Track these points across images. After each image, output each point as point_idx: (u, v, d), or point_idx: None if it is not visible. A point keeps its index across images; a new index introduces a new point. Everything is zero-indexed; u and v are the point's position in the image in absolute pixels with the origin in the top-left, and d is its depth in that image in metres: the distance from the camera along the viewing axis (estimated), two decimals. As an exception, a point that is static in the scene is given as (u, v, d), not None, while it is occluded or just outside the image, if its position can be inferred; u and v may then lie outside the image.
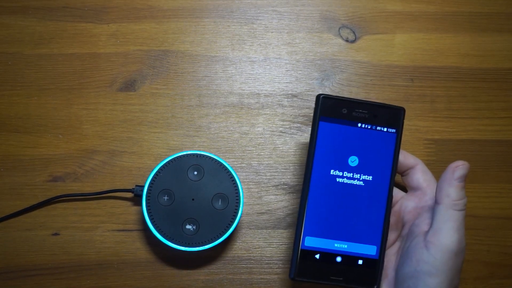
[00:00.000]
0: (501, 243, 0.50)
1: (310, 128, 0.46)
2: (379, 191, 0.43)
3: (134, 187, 0.48)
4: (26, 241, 0.48)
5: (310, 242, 0.42)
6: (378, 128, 0.43)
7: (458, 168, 0.40)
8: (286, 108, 0.51)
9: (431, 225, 0.40)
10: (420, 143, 0.51)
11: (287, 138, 0.50)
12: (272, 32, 0.52)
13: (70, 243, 0.48)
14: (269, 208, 0.49)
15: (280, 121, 0.51)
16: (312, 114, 0.44)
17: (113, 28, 0.52)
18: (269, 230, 0.49)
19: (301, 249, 0.42)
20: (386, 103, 0.43)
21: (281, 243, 0.49)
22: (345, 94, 0.51)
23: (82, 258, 0.48)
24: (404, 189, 0.46)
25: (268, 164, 0.50)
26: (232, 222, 0.45)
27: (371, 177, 0.42)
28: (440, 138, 0.51)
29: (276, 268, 0.49)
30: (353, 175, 0.42)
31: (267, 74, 0.52)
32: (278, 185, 0.50)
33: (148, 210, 0.45)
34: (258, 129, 0.51)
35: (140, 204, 0.49)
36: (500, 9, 0.53)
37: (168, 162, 0.46)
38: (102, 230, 0.49)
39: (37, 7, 0.52)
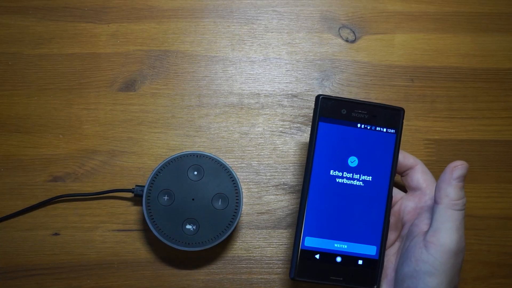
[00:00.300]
0: (501, 243, 0.50)
1: (310, 128, 0.46)
2: (378, 191, 0.43)
3: (134, 187, 0.48)
4: (26, 241, 0.48)
5: (310, 242, 0.42)
6: (378, 128, 0.43)
7: (457, 168, 0.40)
8: (286, 108, 0.51)
9: (430, 225, 0.40)
10: (420, 143, 0.51)
11: (287, 138, 0.51)
12: (272, 32, 0.52)
13: (70, 243, 0.48)
14: (269, 208, 0.49)
15: (280, 121, 0.51)
16: (312, 114, 0.44)
17: (113, 28, 0.52)
18: (269, 230, 0.49)
19: (301, 249, 0.42)
20: (386, 103, 0.43)
21: (281, 243, 0.49)
22: (345, 94, 0.51)
23: (82, 258, 0.48)
24: (404, 189, 0.46)
25: (268, 164, 0.50)
26: (232, 222, 0.45)
27: (370, 177, 0.42)
28: (440, 138, 0.51)
29: (276, 268, 0.49)
30: (352, 176, 0.42)
31: (267, 74, 0.52)
32: (278, 185, 0.50)
33: (148, 210, 0.45)
34: (258, 129, 0.51)
35: (140, 204, 0.49)
36: (500, 9, 0.53)
37: (168, 162, 0.46)
38: (102, 230, 0.49)
39: (37, 7, 0.52)
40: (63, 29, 0.52)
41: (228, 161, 0.50)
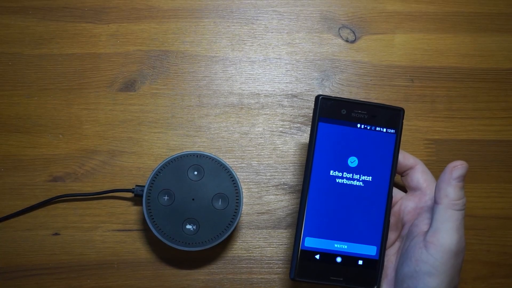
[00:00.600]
0: (501, 243, 0.50)
1: (310, 128, 0.46)
2: (378, 191, 0.43)
3: (134, 187, 0.48)
4: (26, 241, 0.48)
5: (310, 242, 0.42)
6: (378, 128, 0.43)
7: (457, 168, 0.40)
8: (286, 108, 0.51)
9: (430, 225, 0.40)
10: (420, 143, 0.51)
11: (287, 138, 0.51)
12: (272, 32, 0.52)
13: (70, 243, 0.48)
14: (269, 208, 0.49)
15: (280, 121, 0.51)
16: (311, 115, 0.44)
17: (113, 28, 0.52)
18: (269, 230, 0.49)
19: (301, 250, 0.42)
20: (386, 103, 0.43)
21: (281, 243, 0.49)
22: (345, 94, 0.51)
23: (82, 258, 0.48)
24: (404, 189, 0.46)
25: (268, 164, 0.50)
26: (232, 222, 0.45)
27: (370, 177, 0.42)
28: (440, 138, 0.51)
29: (276, 268, 0.49)
30: (352, 176, 0.42)
31: (267, 74, 0.52)
32: (278, 185, 0.50)
33: (148, 210, 0.45)
34: (258, 129, 0.51)
35: (140, 204, 0.49)
36: (500, 9, 0.53)
37: (168, 162, 0.46)
38: (102, 230, 0.49)
39: (37, 7, 0.52)
40: (63, 29, 0.52)
41: (228, 161, 0.50)
